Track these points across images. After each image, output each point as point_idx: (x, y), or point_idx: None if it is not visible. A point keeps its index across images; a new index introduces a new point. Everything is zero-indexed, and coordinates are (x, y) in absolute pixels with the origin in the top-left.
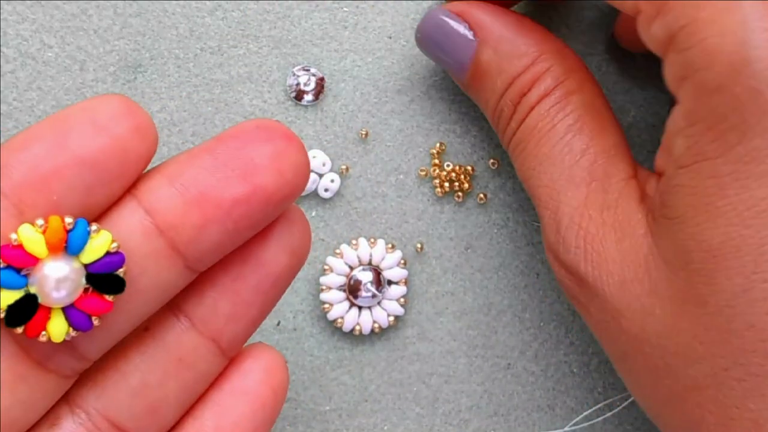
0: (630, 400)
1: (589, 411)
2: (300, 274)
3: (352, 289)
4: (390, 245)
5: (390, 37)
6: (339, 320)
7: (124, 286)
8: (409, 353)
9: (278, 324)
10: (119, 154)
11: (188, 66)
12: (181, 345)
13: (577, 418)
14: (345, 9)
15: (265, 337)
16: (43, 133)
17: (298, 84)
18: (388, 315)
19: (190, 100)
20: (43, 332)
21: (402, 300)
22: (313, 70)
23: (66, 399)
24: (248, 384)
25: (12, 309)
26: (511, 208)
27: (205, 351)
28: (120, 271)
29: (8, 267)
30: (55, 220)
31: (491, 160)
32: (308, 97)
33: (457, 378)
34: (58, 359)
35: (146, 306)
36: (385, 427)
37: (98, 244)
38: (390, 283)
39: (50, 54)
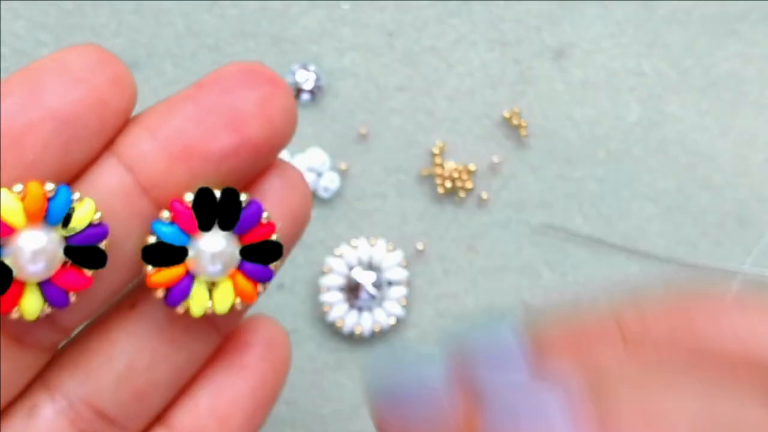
0: None
1: None
2: (299, 274)
3: (352, 291)
4: (390, 245)
5: (390, 35)
6: (339, 322)
7: (106, 260)
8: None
9: None
10: (97, 107)
11: (185, 64)
12: (173, 323)
13: None
14: (344, 6)
15: None
16: (13, 89)
17: (296, 82)
18: (389, 316)
19: None
20: (15, 308)
21: (402, 301)
22: (312, 68)
23: (45, 385)
24: (247, 359)
25: None
26: (513, 208)
27: (200, 330)
28: (102, 244)
29: None
30: (34, 186)
31: (493, 159)
32: (307, 96)
33: None
34: (37, 333)
35: (130, 272)
36: None
37: (81, 215)
38: (390, 283)
39: (46, 52)
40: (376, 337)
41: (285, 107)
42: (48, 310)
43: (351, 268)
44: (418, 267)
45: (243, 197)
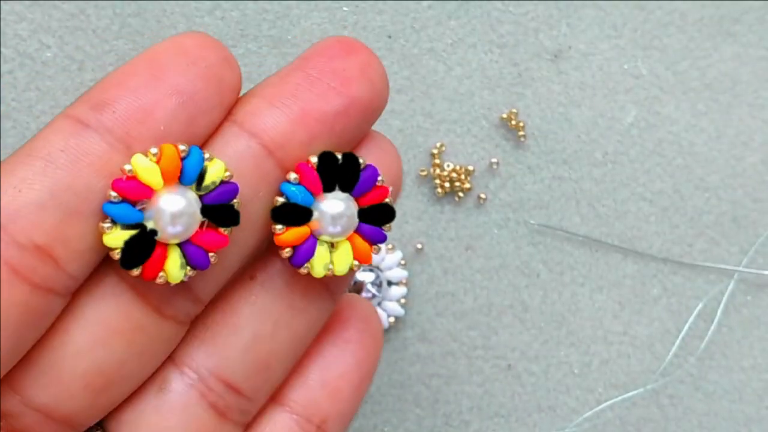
0: (631, 400)
1: (590, 412)
2: None
3: (353, 290)
4: (390, 245)
5: (390, 37)
6: None
7: (239, 217)
8: (410, 354)
9: None
10: (215, 82)
11: None
12: (291, 290)
13: (578, 419)
14: (344, 8)
15: None
16: (137, 69)
17: None
18: (388, 316)
19: None
20: (161, 273)
21: (402, 300)
22: None
23: (173, 360)
24: (349, 334)
25: (129, 246)
26: (511, 208)
27: (316, 294)
28: (234, 202)
29: (123, 200)
30: (169, 147)
31: (492, 160)
32: None
33: (457, 379)
34: (176, 303)
35: (259, 234)
36: (386, 429)
37: (213, 172)
38: (390, 283)
39: (49, 54)
40: None
41: (381, 72)
42: (191, 272)
43: None
44: (418, 267)
45: (361, 161)
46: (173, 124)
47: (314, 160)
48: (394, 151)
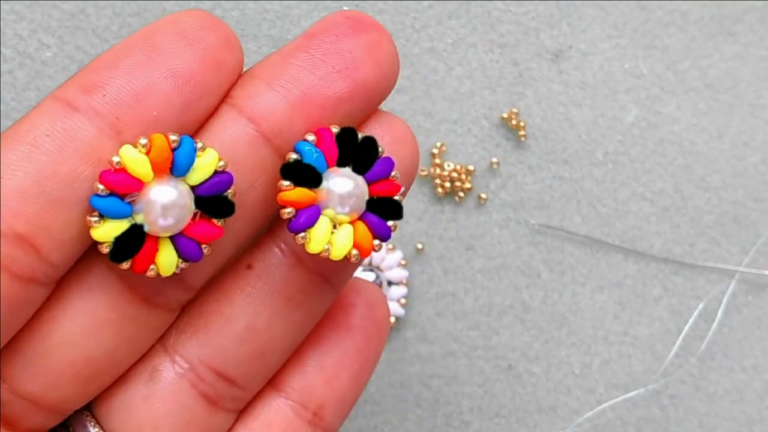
0: (632, 401)
1: (591, 412)
2: None
3: None
4: (390, 246)
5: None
6: None
7: (234, 208)
8: (410, 354)
9: None
10: (213, 65)
11: None
12: (290, 282)
13: (579, 420)
14: (344, 8)
15: None
16: (131, 50)
17: None
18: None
19: None
20: (152, 266)
21: (402, 301)
22: None
23: (165, 348)
24: (352, 319)
25: (119, 242)
26: (512, 208)
27: (316, 287)
28: (228, 192)
29: (111, 194)
30: (159, 138)
31: (492, 160)
32: None
33: (457, 379)
34: (166, 292)
35: (256, 222)
36: (386, 429)
37: (205, 163)
38: (390, 283)
39: (48, 54)
40: None
41: (390, 52)
42: (183, 264)
43: None
44: (418, 267)
45: (380, 149)
46: (167, 110)
47: (335, 130)
48: (408, 132)
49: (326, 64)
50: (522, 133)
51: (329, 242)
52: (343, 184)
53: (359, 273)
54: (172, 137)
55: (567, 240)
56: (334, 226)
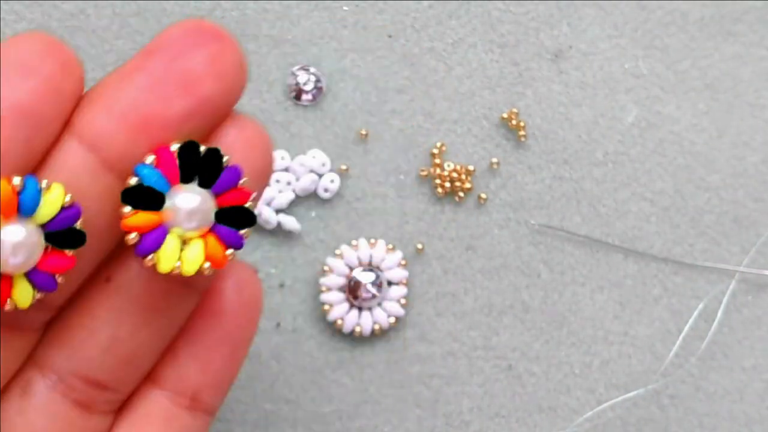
0: (632, 401)
1: (591, 412)
2: (300, 274)
3: (352, 290)
4: (390, 246)
5: (390, 36)
6: (339, 321)
7: (85, 238)
8: (410, 354)
9: (278, 325)
10: (53, 95)
11: None
12: (150, 292)
13: (579, 420)
14: (345, 8)
15: (264, 338)
16: None
17: (297, 84)
18: (389, 316)
19: None
20: (8, 300)
21: (402, 301)
22: (312, 70)
23: (35, 363)
24: (220, 305)
25: None
26: (512, 208)
27: (177, 293)
28: (77, 224)
29: None
30: (3, 183)
31: (492, 160)
32: (307, 97)
33: (457, 379)
34: (28, 317)
35: (106, 245)
36: (386, 429)
37: (51, 200)
38: (390, 283)
39: None
40: (377, 336)
41: (234, 61)
42: (39, 295)
43: (351, 268)
44: (418, 267)
45: (225, 158)
46: (10, 146)
47: (175, 147)
48: (262, 134)
49: (165, 84)
50: (522, 133)
51: (179, 259)
52: (187, 200)
53: (359, 273)
54: (15, 181)
55: (567, 240)
56: (185, 243)
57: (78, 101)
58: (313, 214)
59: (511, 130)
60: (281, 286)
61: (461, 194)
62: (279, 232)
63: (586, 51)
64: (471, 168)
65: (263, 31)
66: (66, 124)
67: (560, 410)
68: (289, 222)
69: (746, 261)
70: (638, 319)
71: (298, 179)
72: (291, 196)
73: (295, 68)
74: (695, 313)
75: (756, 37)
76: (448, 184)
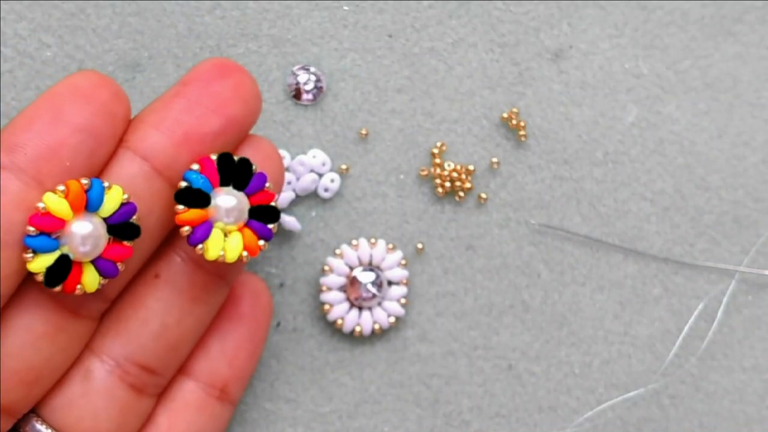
0: (632, 401)
1: (591, 412)
2: (300, 274)
3: (353, 290)
4: (390, 245)
5: (390, 36)
6: (339, 321)
7: (140, 231)
8: (410, 354)
9: (278, 325)
10: (108, 117)
11: (187, 65)
12: (192, 285)
13: (579, 419)
14: (345, 8)
15: None
16: (40, 112)
17: (297, 83)
18: (389, 316)
19: None
20: (78, 286)
21: (402, 301)
22: (312, 70)
23: (93, 351)
24: (241, 309)
25: (50, 271)
26: (512, 208)
27: (214, 285)
28: (134, 218)
29: (41, 233)
30: (74, 183)
31: (492, 160)
32: (308, 97)
33: (457, 379)
34: (89, 304)
35: (156, 240)
36: (386, 429)
37: (113, 198)
38: (390, 283)
39: (48, 53)
40: (377, 336)
41: (253, 89)
42: (104, 281)
43: (351, 268)
44: (418, 267)
45: (254, 167)
46: (77, 159)
47: (214, 157)
48: (275, 152)
49: (201, 106)
50: (522, 132)
51: (223, 248)
52: (227, 200)
53: (360, 273)
54: (84, 181)
55: (567, 240)
56: (226, 235)
57: (128, 123)
58: (314, 213)
59: (511, 129)
60: (281, 285)
61: (461, 194)
62: (279, 231)
63: (586, 51)
64: (471, 168)
65: (263, 31)
66: (120, 141)
67: (560, 410)
68: (290, 221)
69: (746, 261)
70: (638, 319)
71: (298, 179)
72: (291, 195)
73: (295, 68)
74: (695, 313)
75: (756, 37)
76: (448, 184)
